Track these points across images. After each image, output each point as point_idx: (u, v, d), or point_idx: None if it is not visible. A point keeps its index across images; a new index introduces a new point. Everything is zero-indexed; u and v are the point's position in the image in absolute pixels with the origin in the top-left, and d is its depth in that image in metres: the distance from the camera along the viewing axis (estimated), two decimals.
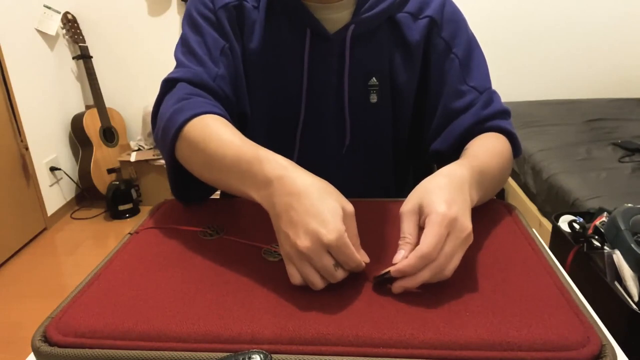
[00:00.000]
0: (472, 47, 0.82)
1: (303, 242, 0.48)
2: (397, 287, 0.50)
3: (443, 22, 0.79)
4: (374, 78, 0.80)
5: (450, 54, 0.80)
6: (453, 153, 0.80)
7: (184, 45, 0.78)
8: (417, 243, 0.50)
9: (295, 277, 0.51)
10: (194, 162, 0.65)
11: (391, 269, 0.50)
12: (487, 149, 0.71)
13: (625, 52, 2.57)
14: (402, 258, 0.50)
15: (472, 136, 0.78)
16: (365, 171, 0.87)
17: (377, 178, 0.89)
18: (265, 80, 0.80)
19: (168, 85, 0.74)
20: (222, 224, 0.69)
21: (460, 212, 0.51)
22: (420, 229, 0.52)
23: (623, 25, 2.52)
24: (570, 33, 2.54)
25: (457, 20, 0.81)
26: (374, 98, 0.81)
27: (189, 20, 0.79)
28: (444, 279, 0.50)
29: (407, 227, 0.53)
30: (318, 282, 0.50)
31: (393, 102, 0.82)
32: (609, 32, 2.53)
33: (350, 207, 0.53)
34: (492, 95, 0.81)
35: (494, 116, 0.78)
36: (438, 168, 0.94)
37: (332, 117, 0.82)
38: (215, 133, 0.61)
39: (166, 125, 0.67)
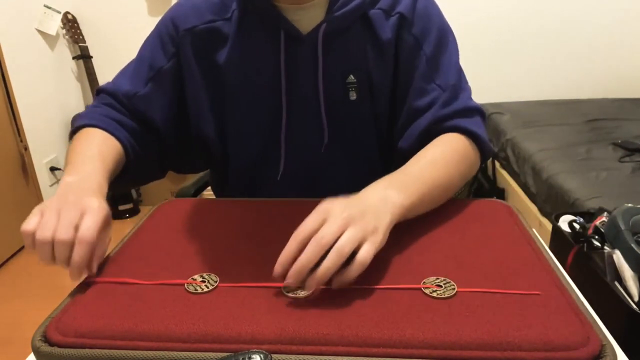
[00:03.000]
0: (442, 43, 0.80)
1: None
2: None
3: (414, 18, 0.79)
4: (351, 75, 0.80)
5: (420, 50, 0.79)
6: (415, 152, 0.78)
7: (137, 54, 0.86)
8: None
9: (31, 223, 0.55)
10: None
11: None
12: (429, 158, 0.72)
13: (625, 52, 2.56)
14: None
15: (431, 136, 0.77)
16: (351, 170, 0.87)
17: (364, 177, 0.89)
18: (246, 88, 0.81)
19: (98, 92, 0.85)
20: (215, 268, 0.57)
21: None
22: None
23: (623, 25, 2.51)
24: (570, 33, 2.54)
25: (429, 15, 0.80)
26: (353, 95, 0.81)
27: (153, 30, 0.85)
28: None
29: None
30: (52, 225, 0.55)
31: (372, 99, 0.82)
32: (609, 32, 2.53)
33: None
34: (458, 93, 0.79)
35: (455, 115, 0.77)
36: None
37: (312, 117, 0.82)
38: (81, 144, 0.73)
39: (72, 123, 0.81)
